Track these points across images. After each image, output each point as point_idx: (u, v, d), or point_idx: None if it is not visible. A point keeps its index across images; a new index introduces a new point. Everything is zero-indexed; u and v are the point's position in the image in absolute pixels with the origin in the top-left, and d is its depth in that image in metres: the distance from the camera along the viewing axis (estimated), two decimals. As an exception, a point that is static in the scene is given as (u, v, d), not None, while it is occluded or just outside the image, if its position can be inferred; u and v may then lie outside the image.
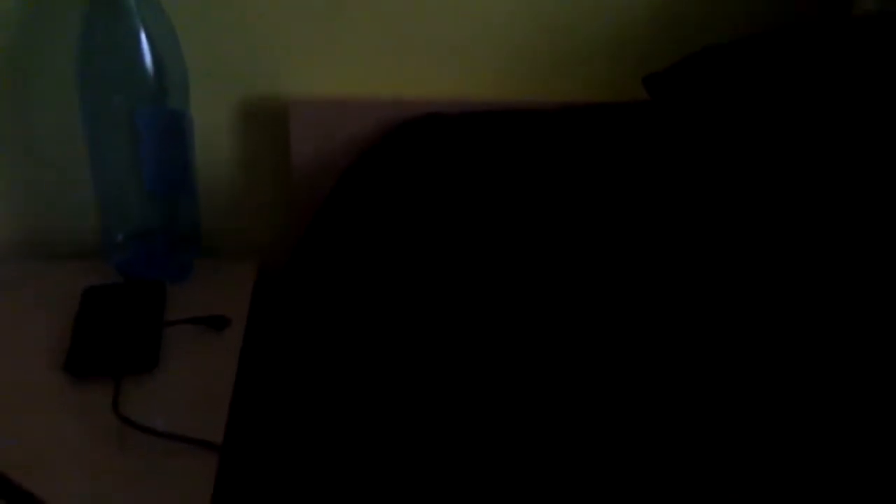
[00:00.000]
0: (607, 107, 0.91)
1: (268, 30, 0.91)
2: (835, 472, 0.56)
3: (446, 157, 0.84)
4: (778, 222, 0.77)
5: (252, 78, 0.93)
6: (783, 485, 0.56)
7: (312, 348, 0.75)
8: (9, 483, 0.44)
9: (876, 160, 0.74)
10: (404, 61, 0.93)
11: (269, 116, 0.95)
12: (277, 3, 0.90)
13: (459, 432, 0.62)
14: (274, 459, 0.69)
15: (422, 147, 0.85)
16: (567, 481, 0.57)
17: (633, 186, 0.81)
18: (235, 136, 0.96)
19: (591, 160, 0.83)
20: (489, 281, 0.73)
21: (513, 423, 0.62)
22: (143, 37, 0.81)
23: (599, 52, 0.94)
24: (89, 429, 0.73)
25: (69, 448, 0.71)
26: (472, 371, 0.66)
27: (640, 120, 0.88)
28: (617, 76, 0.95)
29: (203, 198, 0.99)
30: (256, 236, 1.02)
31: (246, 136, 0.97)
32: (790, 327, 0.68)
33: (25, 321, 0.86)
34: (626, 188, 0.80)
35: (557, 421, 0.62)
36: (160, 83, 0.84)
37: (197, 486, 0.69)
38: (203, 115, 0.95)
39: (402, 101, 0.91)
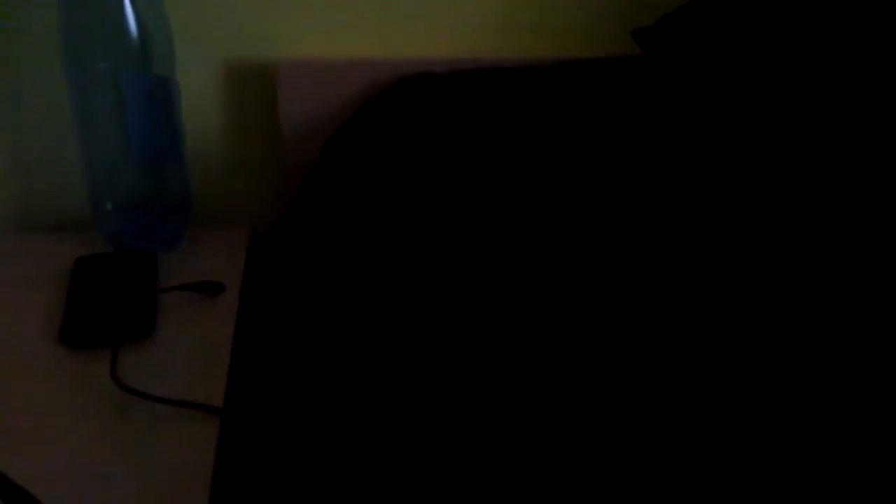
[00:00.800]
0: (598, 62, 0.90)
1: (253, -9, 0.90)
2: (834, 469, 0.57)
3: (438, 116, 0.83)
4: (776, 177, 0.77)
5: (239, 41, 0.92)
6: (782, 482, 0.57)
7: (307, 311, 0.75)
8: (7, 482, 0.43)
9: (877, 121, 0.74)
10: (393, 21, 0.92)
11: (258, 80, 0.94)
12: (262, -36, 0.89)
13: (454, 392, 0.62)
14: (275, 422, 0.70)
15: (413, 107, 0.85)
16: (565, 476, 0.57)
17: (625, 142, 0.80)
18: (223, 100, 0.95)
19: (582, 117, 0.83)
20: (482, 242, 0.73)
21: (505, 387, 0.63)
22: (126, 0, 0.80)
23: (589, 6, 0.93)
24: (88, 398, 0.73)
25: (69, 418, 0.71)
26: (466, 334, 0.66)
27: (630, 75, 0.88)
28: (606, 31, 0.95)
29: (192, 165, 0.99)
30: (247, 202, 1.01)
31: (234, 101, 0.95)
32: (790, 307, 0.69)
33: (17, 293, 0.86)
34: (618, 144, 0.80)
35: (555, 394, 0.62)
36: (145, 48, 0.82)
37: (199, 451, 0.69)
38: (190, 80, 0.93)
39: (391, 61, 0.90)
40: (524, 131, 0.80)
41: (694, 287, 0.69)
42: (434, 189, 0.77)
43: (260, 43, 0.92)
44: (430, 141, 0.81)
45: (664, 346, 0.65)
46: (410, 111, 0.84)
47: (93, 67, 0.82)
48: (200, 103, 0.95)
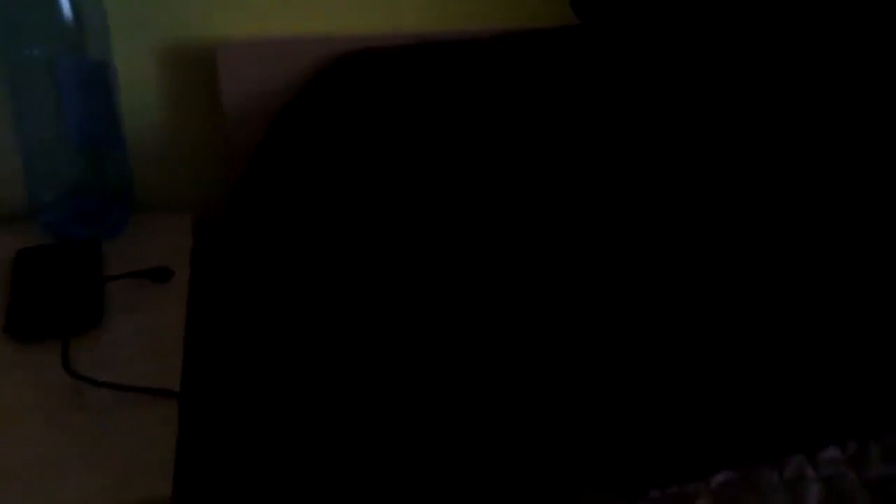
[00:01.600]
0: (536, 34, 0.91)
1: (188, -30, 0.88)
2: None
3: (382, 92, 0.83)
4: (716, 136, 0.79)
5: (176, 22, 0.90)
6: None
7: (260, 293, 0.75)
8: None
9: (804, 88, 0.77)
10: (333, -3, 0.92)
11: (197, 61, 0.93)
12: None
13: (408, 374, 0.63)
14: (233, 403, 0.69)
15: (356, 84, 0.85)
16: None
17: (569, 111, 0.82)
18: (163, 83, 0.94)
19: (524, 88, 0.84)
20: (431, 214, 0.74)
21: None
22: (57, -17, 0.78)
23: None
24: (42, 390, 0.72)
25: (24, 411, 0.70)
26: (416, 309, 0.67)
27: (569, 45, 0.89)
28: (546, 2, 0.96)
29: (133, 150, 0.97)
30: (191, 186, 1.00)
31: (174, 84, 0.94)
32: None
33: (-43, 289, 0.83)
34: (563, 114, 0.82)
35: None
36: (79, 31, 0.81)
37: (160, 436, 0.68)
38: (126, 64, 0.91)
39: (333, 37, 0.90)
40: (467, 105, 0.81)
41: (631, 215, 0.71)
42: (380, 166, 0.77)
43: (198, 23, 0.91)
44: (375, 117, 0.81)
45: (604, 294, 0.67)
46: (353, 88, 0.84)
47: (26, 53, 0.80)
48: (139, 87, 0.93)
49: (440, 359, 0.64)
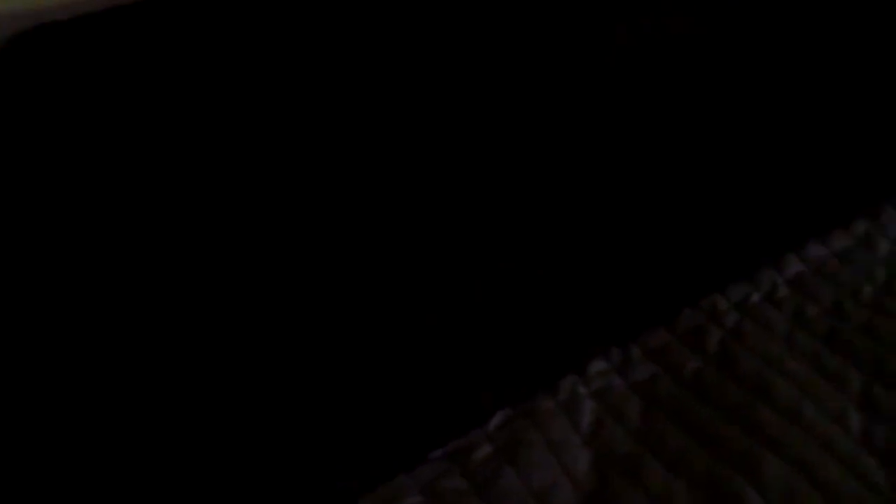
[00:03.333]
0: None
1: None
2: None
3: (69, 69, 0.74)
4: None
5: None
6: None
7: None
8: None
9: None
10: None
11: None
12: None
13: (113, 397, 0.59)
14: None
15: (38, 64, 0.75)
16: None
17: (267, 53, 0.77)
18: None
19: (215, 46, 0.78)
20: (123, 193, 0.68)
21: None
22: None
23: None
24: None
25: None
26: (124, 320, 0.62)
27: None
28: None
29: None
30: None
31: None
32: None
33: None
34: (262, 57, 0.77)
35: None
36: None
37: None
38: None
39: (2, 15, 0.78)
40: (167, 67, 0.75)
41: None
42: (80, 142, 0.71)
43: None
44: (65, 96, 0.73)
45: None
46: (36, 70, 0.74)
47: None
48: None
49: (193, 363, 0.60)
